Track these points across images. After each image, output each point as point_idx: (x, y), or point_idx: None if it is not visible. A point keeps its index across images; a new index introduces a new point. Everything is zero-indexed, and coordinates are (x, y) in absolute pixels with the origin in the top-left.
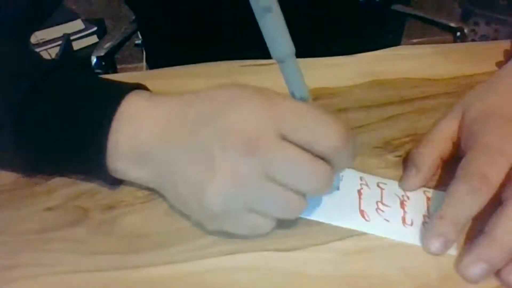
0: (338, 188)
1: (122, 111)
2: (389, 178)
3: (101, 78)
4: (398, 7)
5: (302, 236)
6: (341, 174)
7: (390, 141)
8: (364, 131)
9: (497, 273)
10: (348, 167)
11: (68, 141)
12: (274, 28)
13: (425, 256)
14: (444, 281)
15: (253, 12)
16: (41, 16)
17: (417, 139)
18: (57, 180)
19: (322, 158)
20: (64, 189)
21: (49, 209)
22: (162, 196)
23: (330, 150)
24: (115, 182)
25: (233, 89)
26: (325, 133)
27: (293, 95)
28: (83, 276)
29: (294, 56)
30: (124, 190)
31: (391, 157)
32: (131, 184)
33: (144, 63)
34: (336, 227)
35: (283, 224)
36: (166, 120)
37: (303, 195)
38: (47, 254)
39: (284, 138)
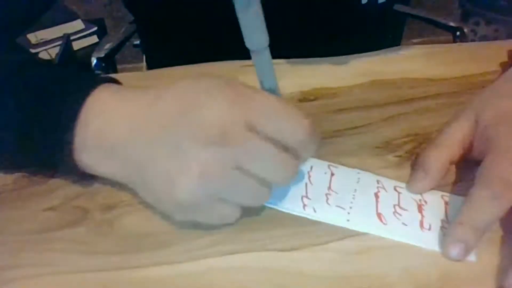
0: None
1: (89, 105)
2: (389, 178)
3: (71, 71)
4: (398, 7)
5: (302, 236)
6: (357, 176)
7: (390, 141)
8: (364, 131)
9: (498, 275)
10: (311, 157)
11: (36, 134)
12: (254, 20)
13: (425, 256)
14: (444, 281)
15: None
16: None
17: (417, 139)
18: (57, 180)
19: (289, 149)
20: (64, 189)
21: (49, 209)
22: None
23: (296, 142)
24: (85, 177)
25: (203, 82)
26: (291, 126)
27: (262, 85)
28: (83, 276)
29: (268, 48)
30: (124, 190)
31: (391, 157)
32: None
33: (144, 63)
34: (336, 226)
35: (283, 224)
36: (135, 115)
37: (268, 185)
38: (47, 254)
39: (252, 130)
